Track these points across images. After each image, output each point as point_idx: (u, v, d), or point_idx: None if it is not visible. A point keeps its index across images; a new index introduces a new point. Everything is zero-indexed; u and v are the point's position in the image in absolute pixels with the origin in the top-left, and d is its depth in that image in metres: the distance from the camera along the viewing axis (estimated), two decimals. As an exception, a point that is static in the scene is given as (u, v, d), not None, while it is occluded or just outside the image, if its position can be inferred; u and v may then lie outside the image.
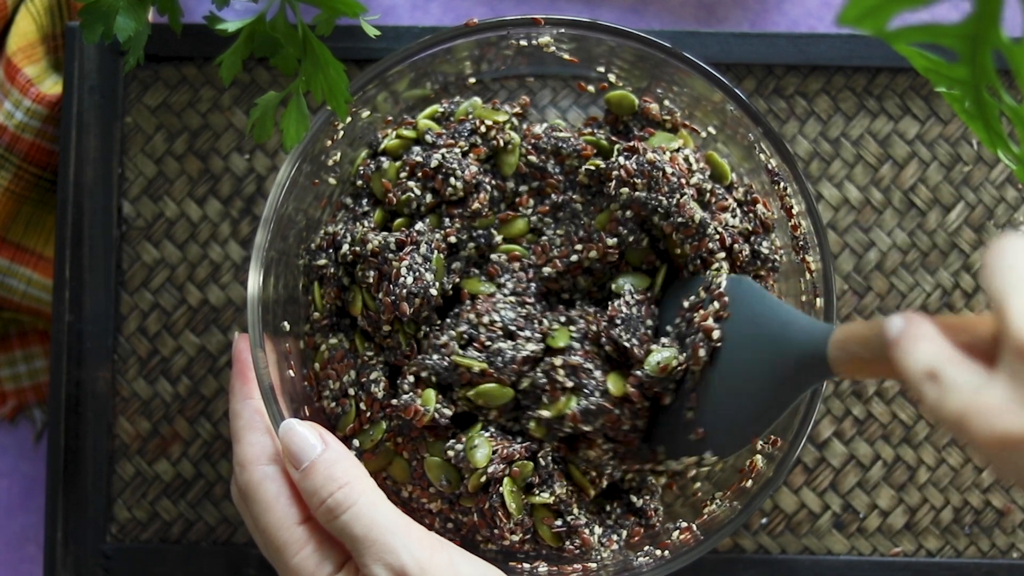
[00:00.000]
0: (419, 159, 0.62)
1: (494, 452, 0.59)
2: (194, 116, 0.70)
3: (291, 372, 0.61)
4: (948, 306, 0.69)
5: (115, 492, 0.69)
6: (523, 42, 0.63)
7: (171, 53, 0.70)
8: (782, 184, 0.62)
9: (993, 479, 0.69)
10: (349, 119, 0.62)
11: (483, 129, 0.63)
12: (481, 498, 0.60)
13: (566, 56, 0.65)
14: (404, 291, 0.60)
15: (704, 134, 0.64)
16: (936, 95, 0.70)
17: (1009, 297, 0.39)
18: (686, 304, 0.60)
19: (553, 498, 0.60)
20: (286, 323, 0.62)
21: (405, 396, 0.60)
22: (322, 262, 0.63)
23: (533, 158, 0.64)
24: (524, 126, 0.66)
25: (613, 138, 0.64)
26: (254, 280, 0.59)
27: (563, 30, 0.62)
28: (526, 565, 0.62)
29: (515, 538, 0.60)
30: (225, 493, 0.69)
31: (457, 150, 0.63)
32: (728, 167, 0.64)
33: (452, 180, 0.62)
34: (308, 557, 0.55)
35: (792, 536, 0.69)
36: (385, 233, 0.62)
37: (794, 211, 0.62)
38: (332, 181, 0.64)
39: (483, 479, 0.59)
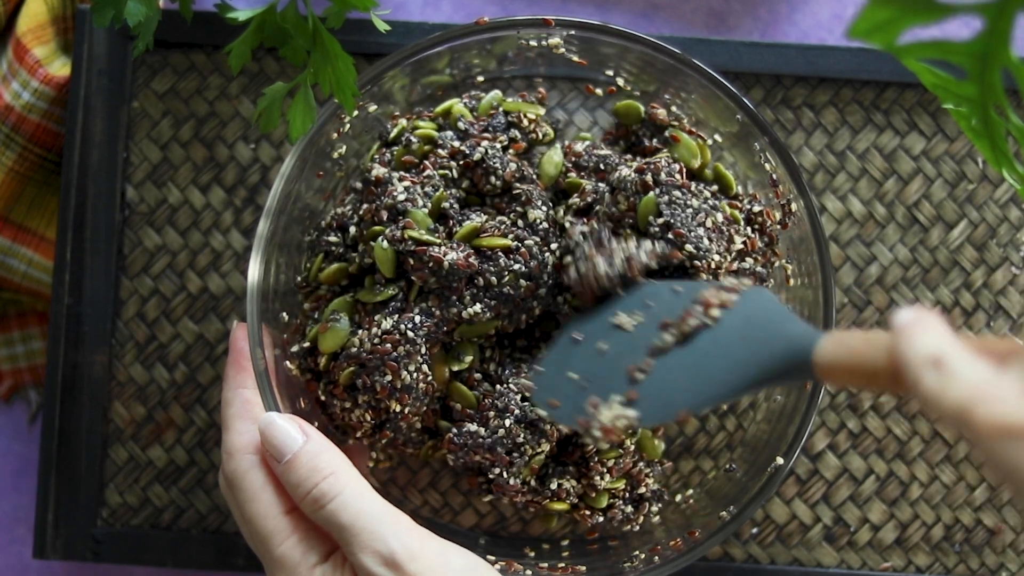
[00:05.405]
0: (464, 149, 0.62)
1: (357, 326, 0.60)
2: (201, 103, 0.70)
3: (288, 362, 0.61)
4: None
5: (107, 476, 0.69)
6: (533, 42, 0.63)
7: (181, 40, 0.70)
8: (785, 194, 0.62)
9: (985, 498, 0.69)
10: (356, 113, 0.62)
11: (525, 123, 0.63)
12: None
13: (575, 58, 0.65)
14: (391, 200, 0.60)
15: (711, 142, 0.64)
16: (943, 112, 0.70)
17: None
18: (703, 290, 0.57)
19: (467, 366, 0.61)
20: (285, 314, 0.62)
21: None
22: (333, 239, 0.63)
23: (574, 175, 0.63)
24: (565, 143, 0.65)
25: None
26: (254, 270, 0.59)
27: (573, 32, 0.62)
28: (518, 565, 0.62)
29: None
30: (217, 482, 0.69)
31: (498, 144, 0.62)
32: (733, 178, 0.63)
33: (492, 178, 0.61)
34: (293, 547, 0.55)
35: (782, 547, 0.69)
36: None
37: (796, 221, 0.62)
38: (338, 174, 0.64)
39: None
